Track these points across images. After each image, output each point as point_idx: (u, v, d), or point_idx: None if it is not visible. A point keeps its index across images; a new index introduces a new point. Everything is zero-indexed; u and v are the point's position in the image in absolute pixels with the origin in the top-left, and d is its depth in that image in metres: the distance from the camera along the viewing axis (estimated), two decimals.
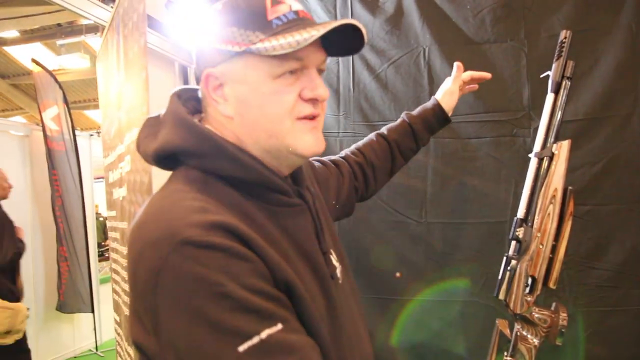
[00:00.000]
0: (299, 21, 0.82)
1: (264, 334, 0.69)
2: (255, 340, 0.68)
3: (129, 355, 2.23)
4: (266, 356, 0.68)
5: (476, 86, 1.62)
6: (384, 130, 1.49)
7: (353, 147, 1.46)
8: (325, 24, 0.79)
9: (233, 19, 0.83)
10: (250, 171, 0.83)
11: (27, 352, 3.83)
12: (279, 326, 0.70)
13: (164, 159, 0.88)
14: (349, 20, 0.81)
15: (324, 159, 1.34)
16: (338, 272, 0.98)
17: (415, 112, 1.52)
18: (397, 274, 2.25)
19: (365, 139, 1.48)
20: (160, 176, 0.92)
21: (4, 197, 3.91)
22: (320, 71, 0.87)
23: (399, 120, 1.51)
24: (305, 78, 0.84)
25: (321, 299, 0.86)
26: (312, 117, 0.85)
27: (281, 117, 0.83)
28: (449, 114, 1.51)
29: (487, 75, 1.59)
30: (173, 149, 0.85)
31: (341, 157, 1.39)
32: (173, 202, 0.79)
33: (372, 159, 1.41)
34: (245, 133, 0.85)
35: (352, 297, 1.02)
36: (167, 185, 0.87)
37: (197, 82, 0.90)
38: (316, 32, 0.78)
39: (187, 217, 0.74)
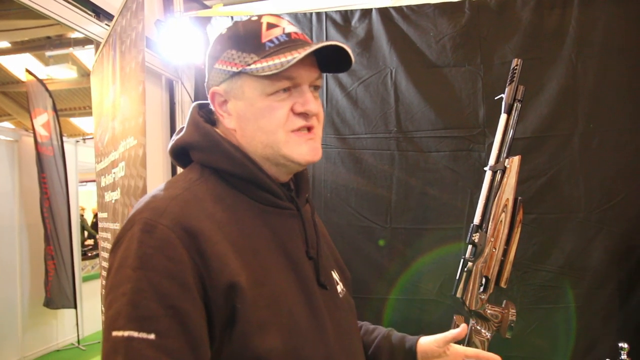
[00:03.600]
0: (291, 43, 0.82)
1: (127, 333, 0.66)
2: (119, 333, 0.67)
3: None
4: (113, 352, 0.66)
5: None
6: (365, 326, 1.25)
7: None
8: (308, 46, 0.80)
9: (232, 43, 0.84)
10: (240, 166, 0.84)
11: None
12: (150, 336, 0.66)
13: (179, 154, 0.90)
14: (331, 43, 0.81)
15: None
16: (339, 288, 0.97)
17: (394, 340, 1.17)
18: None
19: None
20: (154, 181, 0.93)
21: None
22: (315, 87, 0.87)
23: (377, 336, 1.20)
24: (297, 94, 0.84)
25: (299, 298, 0.83)
26: (308, 129, 0.86)
27: (274, 130, 0.83)
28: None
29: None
30: (183, 143, 0.88)
31: None
32: (160, 190, 0.82)
33: None
34: (246, 143, 0.86)
35: (350, 315, 0.99)
36: (171, 177, 0.90)
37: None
38: (298, 55, 0.78)
39: (156, 202, 0.77)
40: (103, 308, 2.58)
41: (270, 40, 0.82)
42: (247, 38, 0.83)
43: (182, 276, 0.70)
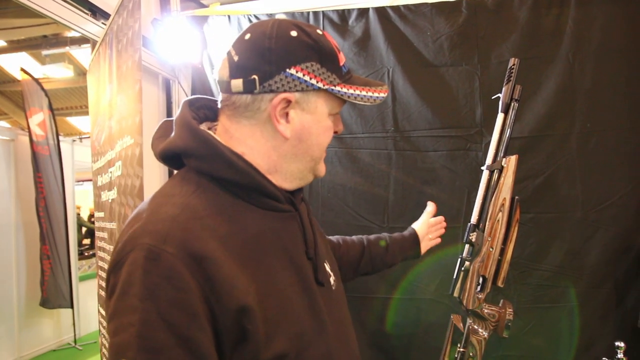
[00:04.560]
0: (351, 72, 0.90)
1: None
2: None
3: None
4: None
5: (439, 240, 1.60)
6: (368, 237, 1.46)
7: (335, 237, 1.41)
8: (380, 88, 0.90)
9: (315, 55, 0.83)
10: (242, 174, 0.82)
11: None
12: None
13: (170, 158, 0.87)
14: (385, 92, 0.91)
15: None
16: (332, 280, 0.98)
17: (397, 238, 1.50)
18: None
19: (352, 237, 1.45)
20: (151, 180, 0.91)
21: None
22: None
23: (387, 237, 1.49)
24: (336, 117, 0.91)
25: (303, 301, 0.84)
26: None
27: (325, 147, 0.91)
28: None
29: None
30: (176, 149, 0.85)
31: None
32: (158, 205, 0.79)
33: (343, 250, 1.37)
34: (292, 153, 0.87)
35: (343, 305, 1.02)
36: (165, 185, 0.86)
37: (223, 89, 0.86)
38: (384, 95, 0.89)
39: (156, 224, 0.74)
40: (103, 323, 2.56)
41: (344, 65, 0.87)
42: (329, 56, 0.85)
43: (191, 305, 0.69)
